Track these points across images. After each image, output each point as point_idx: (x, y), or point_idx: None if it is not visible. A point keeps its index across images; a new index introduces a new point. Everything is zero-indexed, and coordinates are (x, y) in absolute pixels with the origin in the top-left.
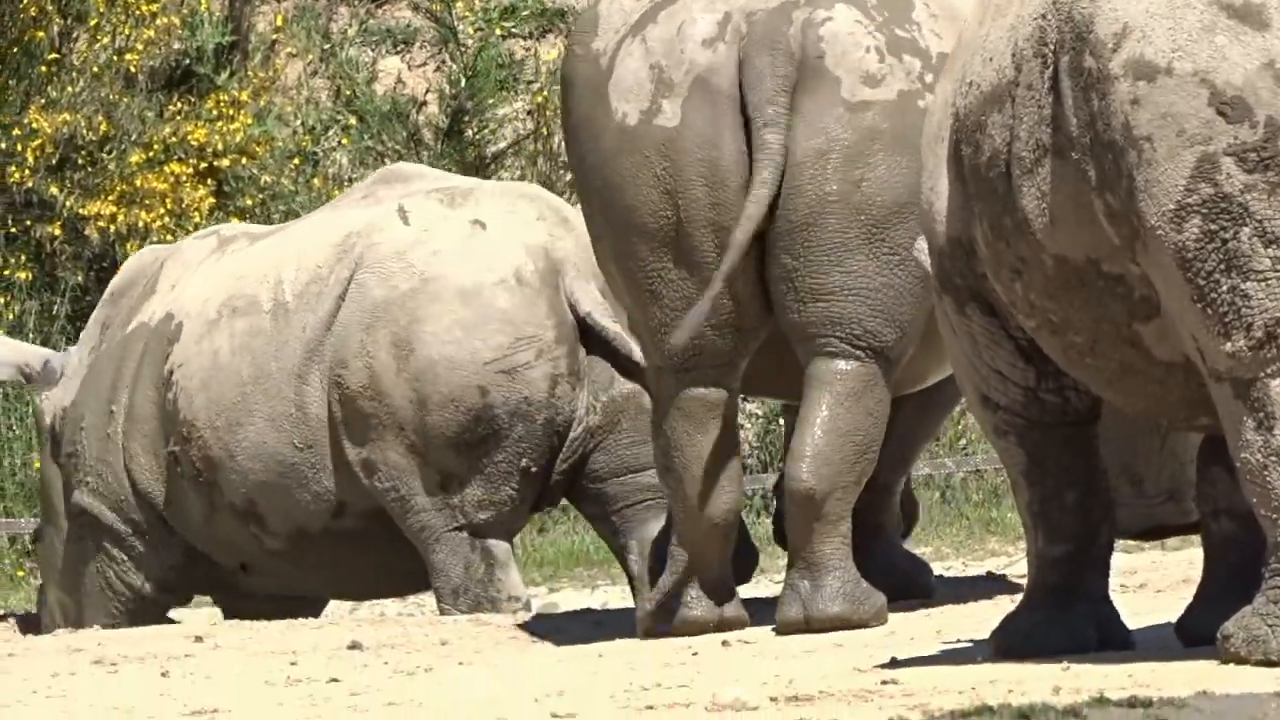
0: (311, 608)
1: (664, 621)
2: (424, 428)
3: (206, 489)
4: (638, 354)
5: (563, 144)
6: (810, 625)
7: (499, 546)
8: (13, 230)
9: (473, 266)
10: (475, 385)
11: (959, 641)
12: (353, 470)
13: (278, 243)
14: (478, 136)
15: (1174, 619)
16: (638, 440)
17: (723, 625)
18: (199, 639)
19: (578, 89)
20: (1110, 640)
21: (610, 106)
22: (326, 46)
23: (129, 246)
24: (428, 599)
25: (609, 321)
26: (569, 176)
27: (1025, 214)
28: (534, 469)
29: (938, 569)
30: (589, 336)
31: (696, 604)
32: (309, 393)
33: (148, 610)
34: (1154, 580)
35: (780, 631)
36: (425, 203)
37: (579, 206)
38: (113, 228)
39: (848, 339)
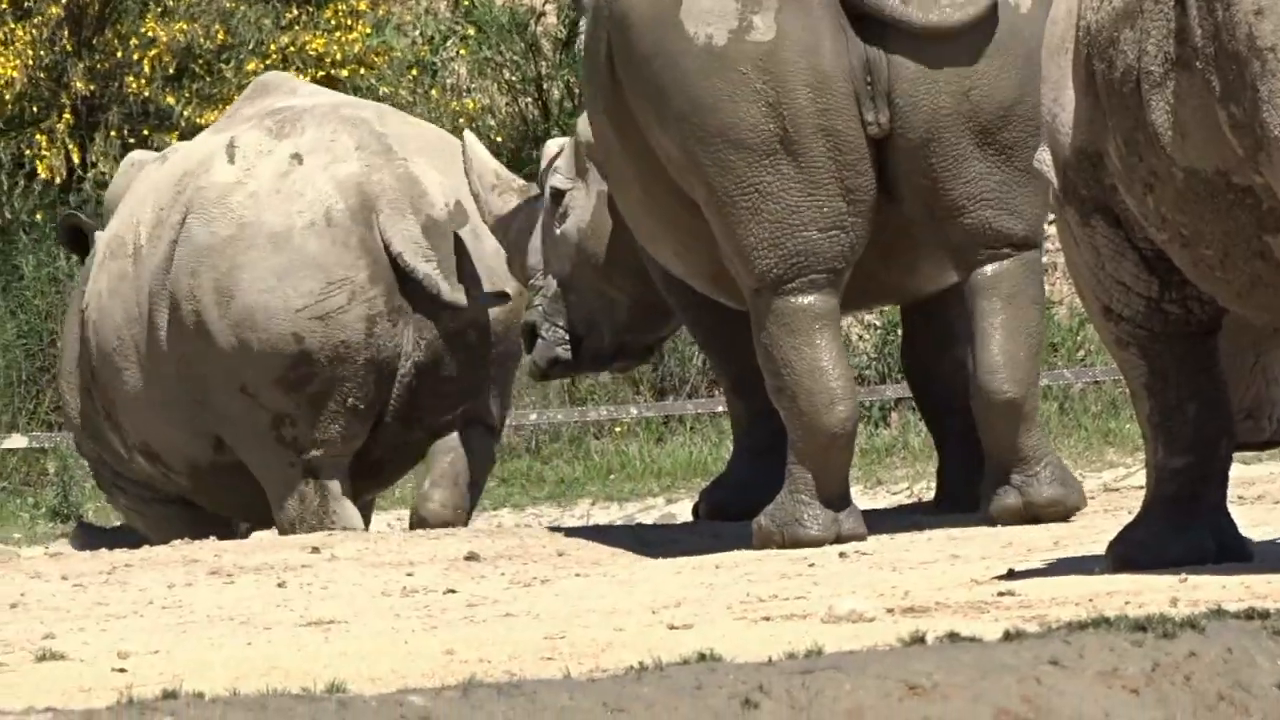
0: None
1: (781, 538)
2: (250, 372)
3: (118, 430)
4: (447, 293)
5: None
6: (1028, 510)
7: (332, 481)
8: (130, 140)
9: (284, 210)
10: (290, 333)
11: (1076, 553)
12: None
13: (147, 177)
14: None
15: None
16: (464, 374)
17: (840, 540)
18: (315, 550)
19: (639, 22)
20: (1228, 552)
21: (686, 32)
22: None
23: None
24: (546, 509)
25: (420, 261)
26: None
27: (1156, 128)
28: (361, 406)
29: None
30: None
31: (813, 523)
32: (159, 336)
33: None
34: (1272, 491)
35: (1001, 520)
36: (253, 135)
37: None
38: None
39: (989, 245)
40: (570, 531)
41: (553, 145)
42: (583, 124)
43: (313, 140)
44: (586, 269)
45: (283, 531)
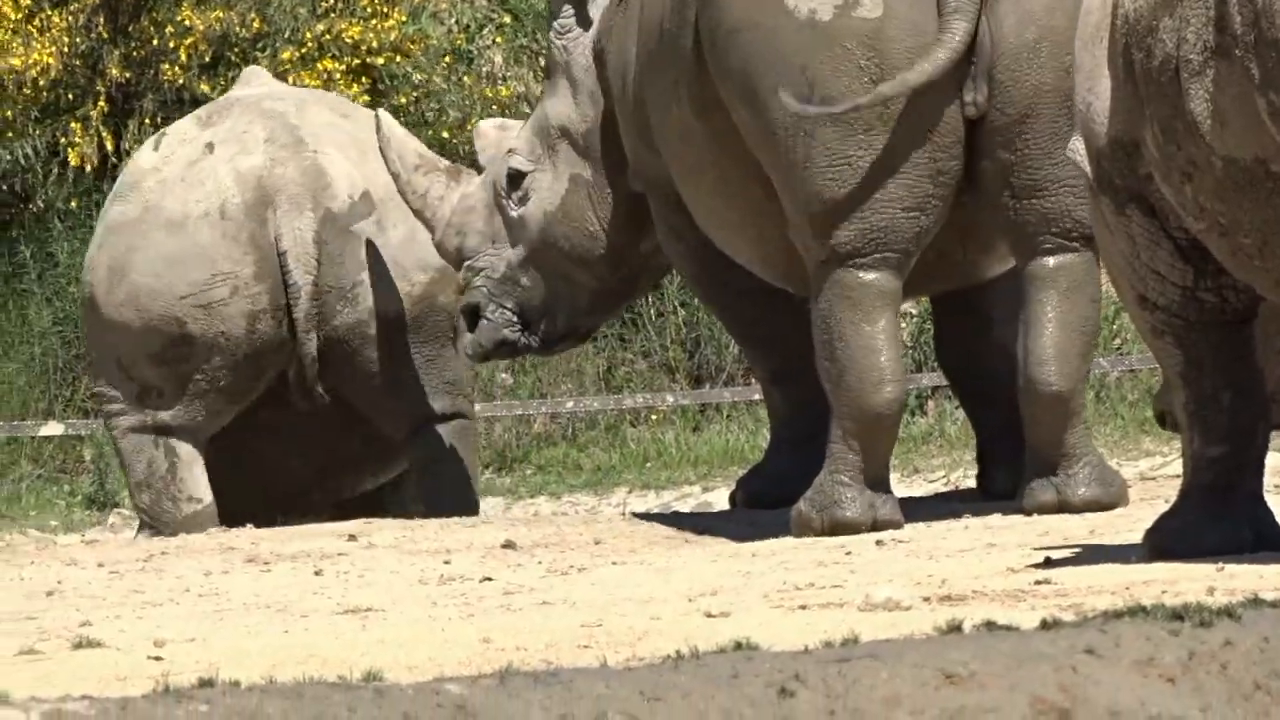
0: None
1: (820, 521)
2: (127, 348)
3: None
4: (306, 312)
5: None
6: (1064, 508)
7: (183, 447)
8: (164, 127)
9: (185, 198)
10: (173, 316)
11: (1113, 542)
12: None
13: None
14: None
15: None
16: (361, 368)
17: (878, 525)
18: (352, 537)
19: None
20: (1265, 540)
21: (785, 6)
22: None
23: None
24: (582, 497)
25: (299, 272)
26: None
27: (1195, 116)
28: (234, 390)
29: None
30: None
31: (851, 505)
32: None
33: None
34: None
35: (1034, 512)
36: (183, 123)
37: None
38: None
39: (1062, 233)
40: (608, 520)
41: (487, 127)
42: (555, 108)
43: (228, 130)
44: (552, 251)
45: (131, 495)
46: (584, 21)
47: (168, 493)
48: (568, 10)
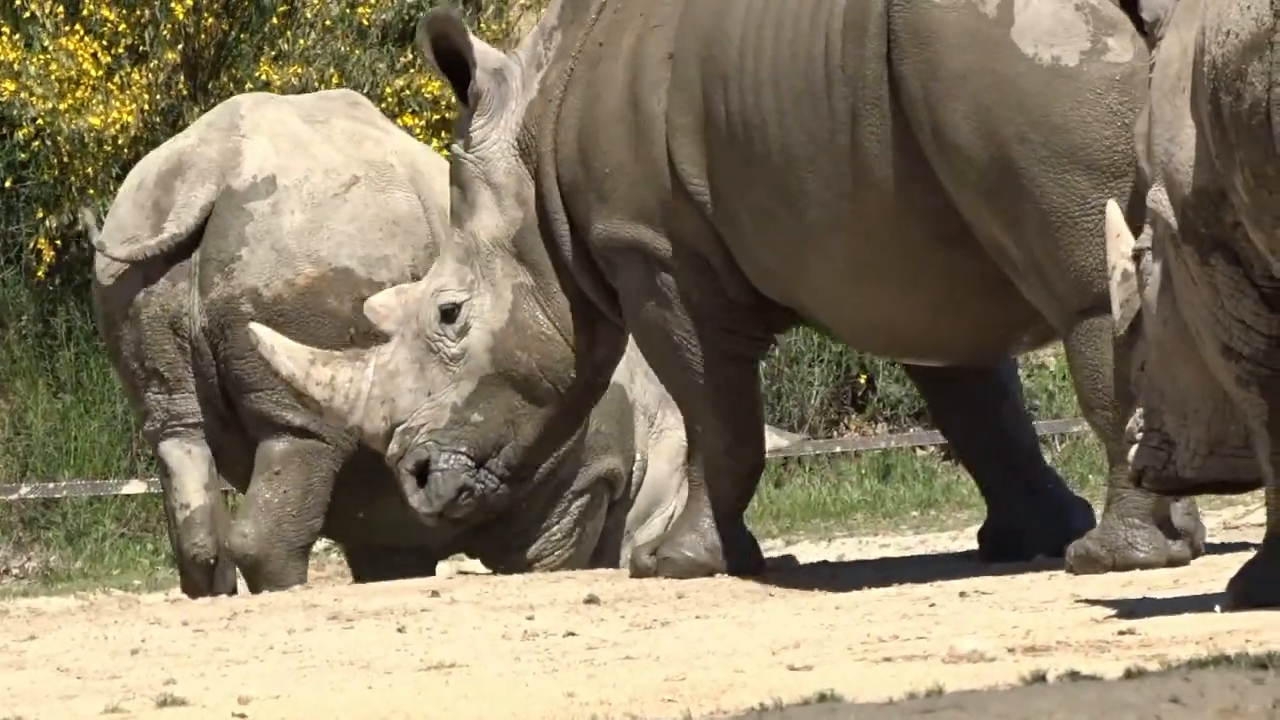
0: None
1: (1112, 561)
2: (107, 341)
3: None
4: (100, 244)
5: (888, 94)
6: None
7: (170, 454)
8: None
9: (140, 168)
10: (102, 286)
11: (1197, 592)
12: None
13: None
14: None
15: None
16: (232, 348)
17: (1173, 562)
18: (435, 593)
19: (951, 39)
20: None
21: (1023, 52)
22: None
23: None
24: None
25: (170, 225)
26: None
27: None
28: (163, 372)
29: None
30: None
31: (1146, 545)
32: None
33: None
34: None
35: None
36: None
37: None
38: None
39: None
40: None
41: (382, 298)
42: (481, 223)
43: (209, 116)
44: (509, 372)
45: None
46: (488, 130)
47: (167, 498)
48: (471, 124)
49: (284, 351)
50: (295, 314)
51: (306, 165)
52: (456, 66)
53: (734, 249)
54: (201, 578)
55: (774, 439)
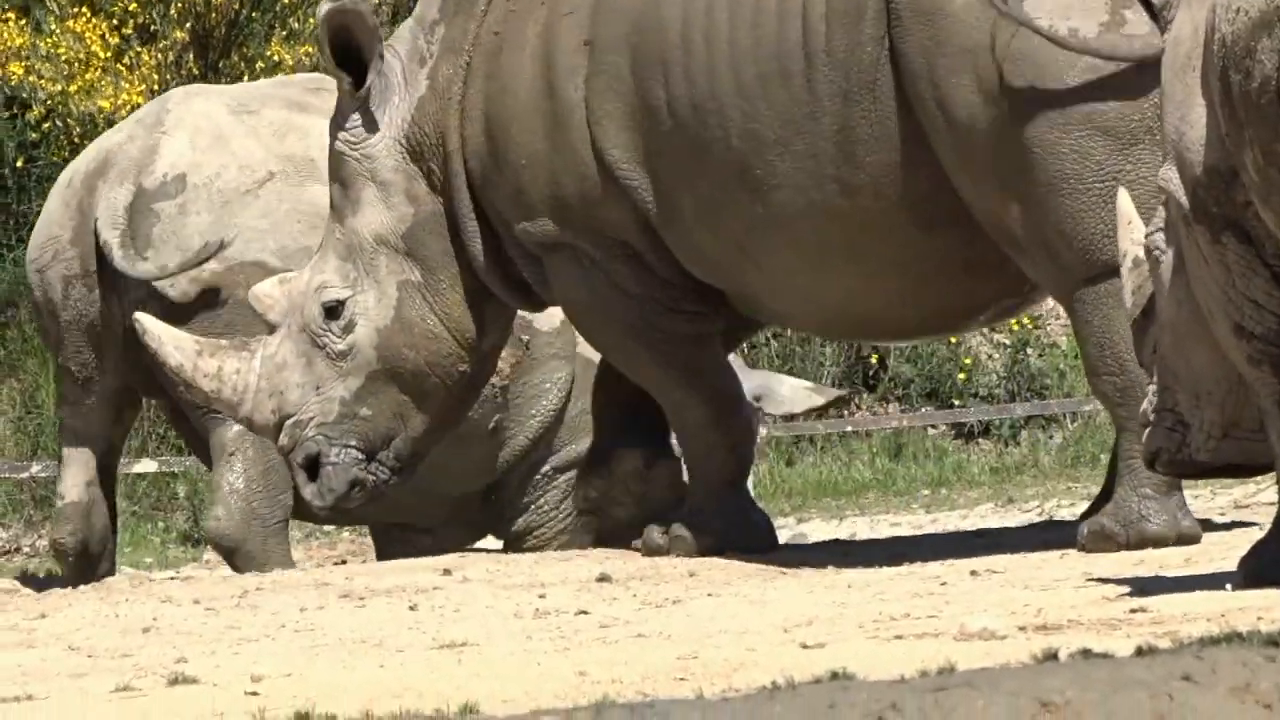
0: None
1: (1126, 537)
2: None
3: None
4: (118, 260)
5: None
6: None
7: (65, 447)
8: None
9: (73, 165)
10: (28, 282)
11: (1208, 570)
12: None
13: None
14: None
15: None
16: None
17: (1183, 537)
18: (447, 572)
19: (960, 15)
20: None
21: (1041, 24)
22: None
23: None
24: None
25: (107, 229)
26: None
27: None
28: (77, 371)
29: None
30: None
31: (1157, 518)
32: None
33: None
34: None
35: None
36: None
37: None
38: None
39: None
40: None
41: (267, 287)
42: (365, 220)
43: (146, 109)
44: (396, 368)
45: None
46: (372, 126)
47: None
48: (354, 120)
49: (171, 341)
50: (206, 309)
51: (221, 161)
52: (353, 59)
53: (670, 237)
54: (67, 569)
55: (813, 397)
